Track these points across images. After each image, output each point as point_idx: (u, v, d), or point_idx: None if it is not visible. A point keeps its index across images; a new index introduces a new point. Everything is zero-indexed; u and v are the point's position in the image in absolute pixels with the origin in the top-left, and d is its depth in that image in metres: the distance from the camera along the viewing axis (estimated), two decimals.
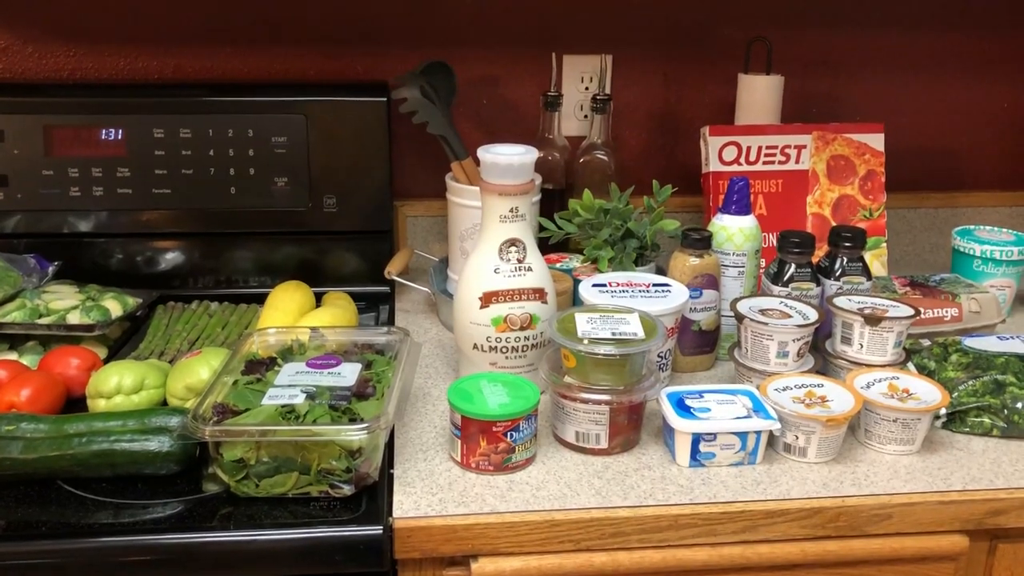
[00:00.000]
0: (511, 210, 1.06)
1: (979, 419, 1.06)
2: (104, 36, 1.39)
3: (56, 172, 1.33)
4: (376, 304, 1.40)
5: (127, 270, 1.39)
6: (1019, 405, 1.05)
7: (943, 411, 1.07)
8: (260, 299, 1.30)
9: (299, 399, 0.93)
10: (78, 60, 1.39)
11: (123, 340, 1.24)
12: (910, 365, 1.14)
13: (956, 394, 1.07)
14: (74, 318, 1.17)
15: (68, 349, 1.12)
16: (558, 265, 1.30)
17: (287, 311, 1.23)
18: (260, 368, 1.02)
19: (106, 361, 1.16)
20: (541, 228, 1.32)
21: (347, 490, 0.91)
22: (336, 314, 1.23)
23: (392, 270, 1.34)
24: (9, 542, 0.86)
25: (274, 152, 1.35)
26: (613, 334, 1.00)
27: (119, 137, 1.33)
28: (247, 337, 1.09)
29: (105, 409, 1.02)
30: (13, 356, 1.15)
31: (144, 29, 1.39)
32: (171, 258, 1.40)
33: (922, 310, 1.21)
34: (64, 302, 1.20)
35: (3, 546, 0.86)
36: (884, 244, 1.39)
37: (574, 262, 1.31)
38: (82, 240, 1.37)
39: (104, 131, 1.33)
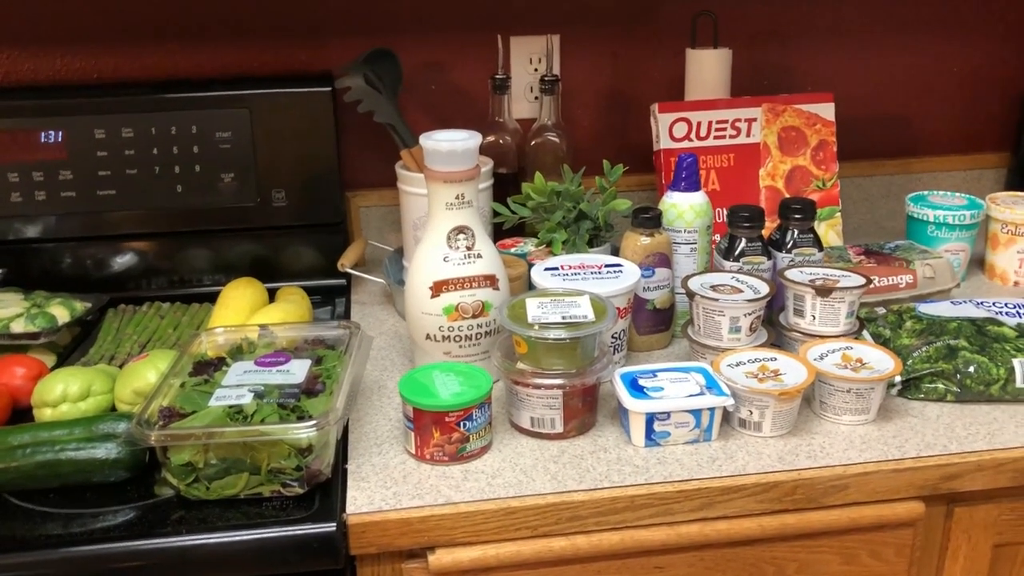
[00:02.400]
0: (457, 197, 1.05)
1: (933, 385, 1.06)
2: (38, 37, 1.35)
3: None
4: (332, 297, 1.38)
5: (76, 275, 1.37)
6: (971, 369, 1.05)
7: (898, 379, 1.07)
8: (213, 298, 1.28)
9: (247, 399, 0.92)
10: (12, 62, 1.36)
11: (73, 346, 1.22)
12: (866, 334, 1.14)
13: (910, 361, 1.07)
14: (18, 326, 1.15)
15: (13, 358, 1.10)
16: (513, 250, 1.29)
17: (239, 309, 1.22)
18: (208, 369, 1.00)
19: (55, 368, 1.14)
20: (495, 213, 1.31)
21: (299, 488, 0.90)
22: (289, 310, 1.21)
23: (346, 262, 1.33)
24: None
25: (219, 148, 1.33)
26: (563, 318, 1.00)
27: (59, 140, 1.30)
28: (195, 338, 1.07)
29: (51, 418, 1.00)
30: None
31: (79, 28, 1.35)
32: (121, 260, 1.38)
33: (874, 279, 1.21)
34: (8, 310, 1.17)
35: None
36: (839, 214, 1.39)
37: (529, 246, 1.30)
38: (28, 246, 1.35)
39: (43, 134, 1.30)
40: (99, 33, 1.36)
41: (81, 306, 1.24)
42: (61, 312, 1.20)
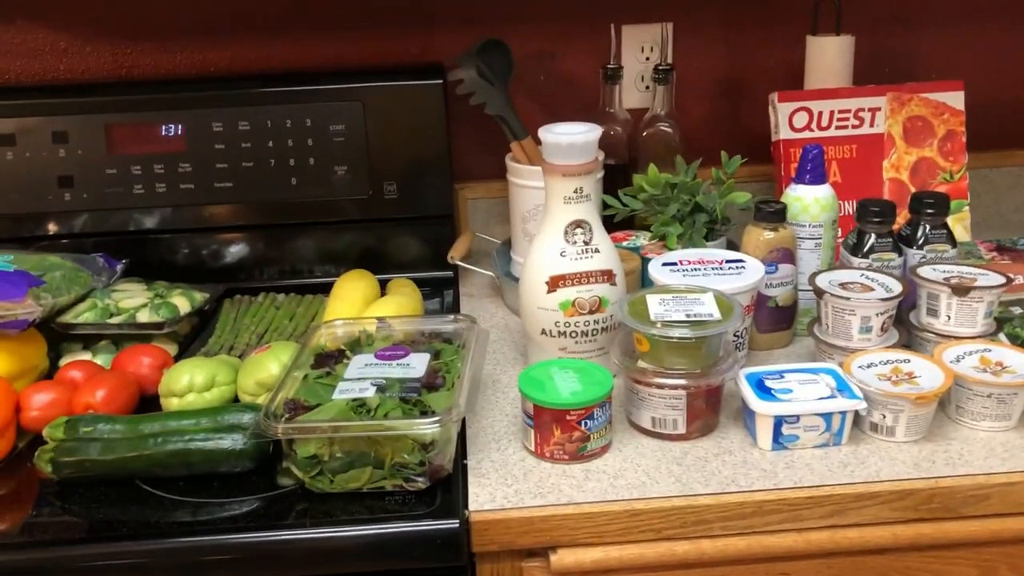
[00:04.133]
0: (575, 191, 1.03)
1: None
2: (159, 31, 1.38)
3: (119, 170, 1.34)
4: (440, 289, 1.38)
5: (193, 265, 1.40)
6: None
7: None
8: (326, 289, 1.30)
9: (369, 392, 0.92)
10: (135, 57, 1.39)
11: (192, 336, 1.25)
12: (1001, 335, 1.08)
13: None
14: (143, 316, 1.18)
15: (139, 348, 1.13)
16: (624, 244, 1.26)
17: (353, 301, 1.22)
18: (329, 361, 1.01)
19: (177, 358, 1.16)
20: (605, 206, 1.28)
21: (422, 483, 0.90)
22: (401, 302, 1.21)
23: (455, 255, 1.33)
24: (93, 543, 0.87)
25: (333, 140, 1.34)
26: (687, 316, 0.97)
27: (179, 132, 1.33)
28: (315, 330, 1.08)
29: (178, 407, 1.02)
30: (87, 356, 1.16)
31: (198, 22, 1.38)
32: (235, 251, 1.40)
33: (1013, 276, 1.15)
34: (133, 300, 1.20)
35: (87, 547, 0.86)
36: (967, 207, 1.32)
37: (641, 240, 1.27)
38: (148, 237, 1.38)
39: (164, 127, 1.33)
40: (215, 26, 1.39)
41: (200, 296, 1.27)
42: (182, 302, 1.23)
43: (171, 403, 1.03)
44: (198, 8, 1.38)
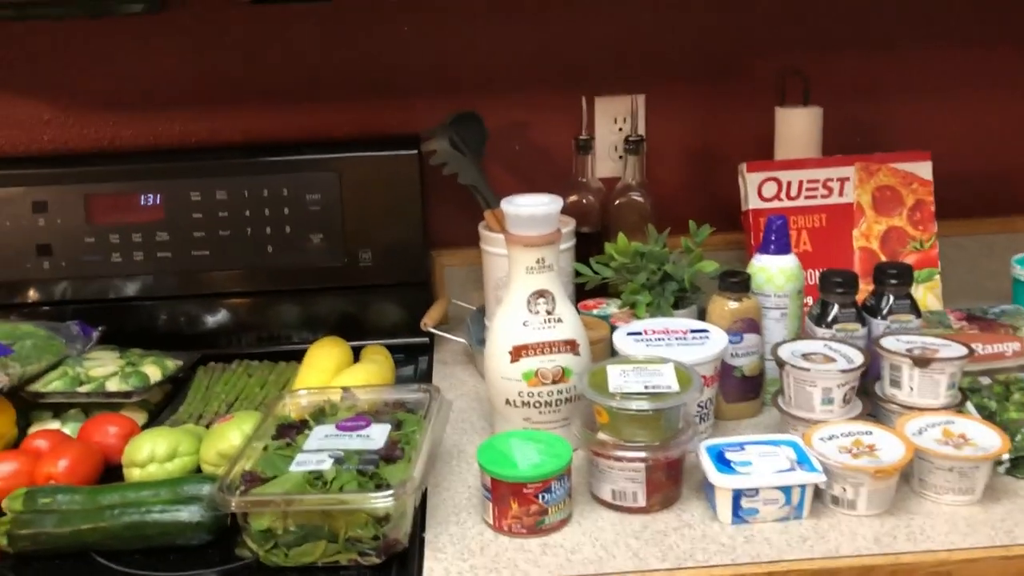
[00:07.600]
0: (537, 261, 1.04)
1: None
2: (140, 103, 1.41)
3: (97, 239, 1.35)
4: (415, 356, 1.39)
5: (171, 332, 1.41)
6: None
7: (1005, 456, 1.00)
8: (300, 355, 1.30)
9: (326, 465, 0.92)
10: (116, 129, 1.42)
11: (164, 404, 1.25)
12: (969, 406, 1.07)
13: (1019, 437, 1.01)
14: (113, 385, 1.19)
15: (107, 417, 1.13)
16: (595, 311, 1.27)
17: (324, 369, 1.23)
18: (291, 432, 1.01)
19: (146, 427, 1.16)
20: (577, 273, 1.29)
21: (376, 558, 0.89)
22: (372, 370, 1.22)
23: (428, 322, 1.33)
24: None
25: (308, 209, 1.36)
26: (646, 387, 0.97)
27: (157, 202, 1.35)
28: (279, 399, 1.08)
29: (139, 478, 1.02)
30: (56, 424, 1.16)
31: (177, 94, 1.41)
32: (213, 318, 1.41)
33: (977, 347, 1.15)
34: (104, 368, 1.21)
35: None
36: (937, 276, 1.33)
37: (612, 307, 1.28)
38: (126, 305, 1.39)
39: (143, 197, 1.35)
40: (195, 99, 1.42)
41: (173, 364, 1.27)
42: (153, 371, 1.23)
43: (133, 474, 1.03)
44: (180, 81, 1.41)
